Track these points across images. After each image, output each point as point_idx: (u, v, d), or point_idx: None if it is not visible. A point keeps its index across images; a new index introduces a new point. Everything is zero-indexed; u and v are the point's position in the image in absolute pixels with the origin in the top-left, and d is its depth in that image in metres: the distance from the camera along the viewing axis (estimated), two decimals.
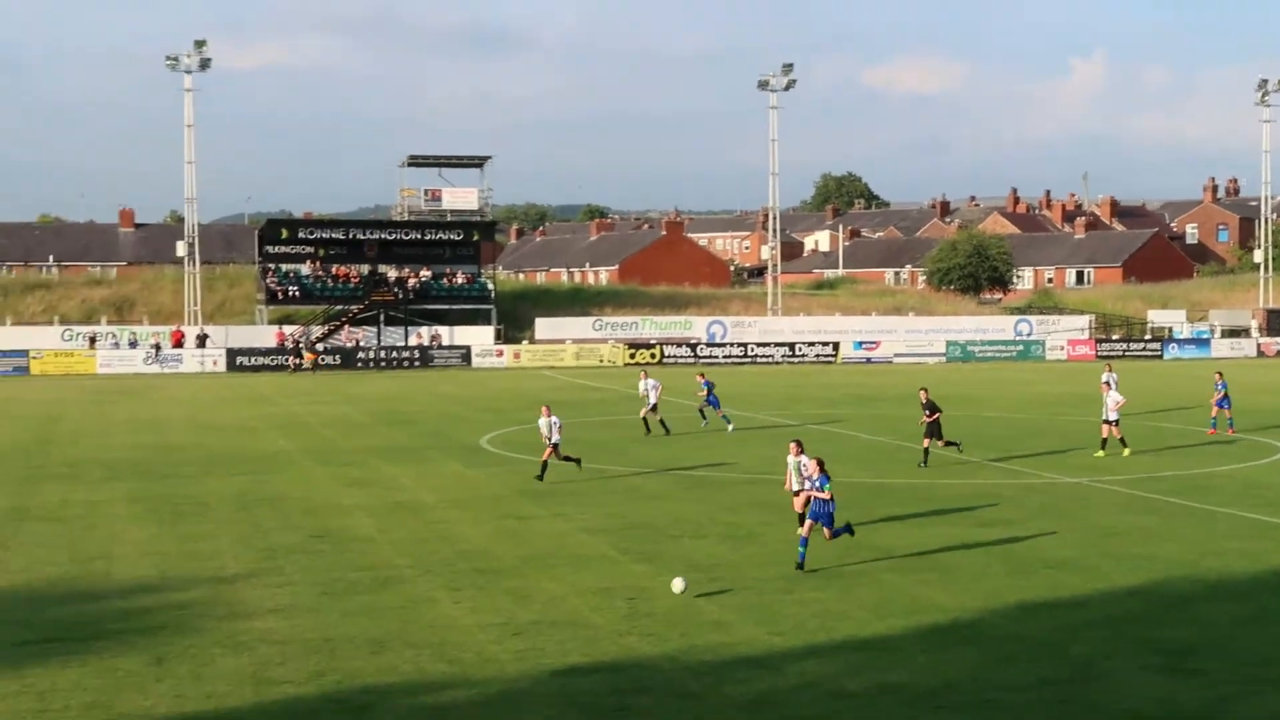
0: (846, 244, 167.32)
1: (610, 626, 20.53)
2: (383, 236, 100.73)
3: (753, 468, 38.24)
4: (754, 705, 16.75)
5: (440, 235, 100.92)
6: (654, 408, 46.94)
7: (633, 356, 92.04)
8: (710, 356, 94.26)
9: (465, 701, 16.97)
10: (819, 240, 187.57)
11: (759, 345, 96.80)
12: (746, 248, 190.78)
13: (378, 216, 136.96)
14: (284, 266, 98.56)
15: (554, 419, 35.26)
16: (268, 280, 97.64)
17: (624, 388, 70.24)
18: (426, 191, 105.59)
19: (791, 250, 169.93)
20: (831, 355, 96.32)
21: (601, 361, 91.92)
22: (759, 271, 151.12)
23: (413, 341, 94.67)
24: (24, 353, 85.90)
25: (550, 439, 35.13)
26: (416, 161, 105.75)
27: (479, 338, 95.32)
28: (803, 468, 26.61)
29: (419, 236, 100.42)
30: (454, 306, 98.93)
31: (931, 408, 38.75)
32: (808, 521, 24.51)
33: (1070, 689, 17.43)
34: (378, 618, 21.03)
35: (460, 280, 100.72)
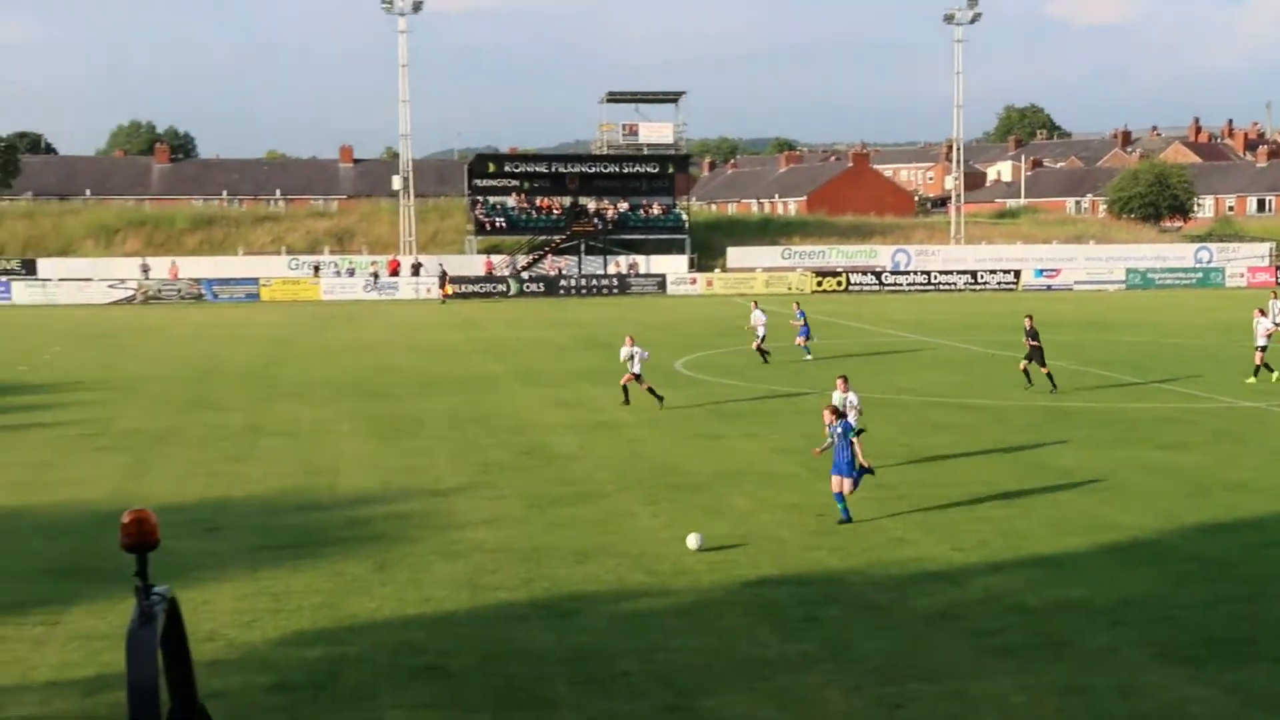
0: (1028, 174, 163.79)
1: (799, 541, 20.59)
2: (583, 170, 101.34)
3: (932, 391, 37.87)
4: (938, 617, 16.71)
5: (637, 168, 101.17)
6: (762, 338, 46.23)
7: (820, 284, 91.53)
8: (894, 284, 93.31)
9: (663, 609, 17.18)
10: (1001, 171, 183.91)
11: (942, 273, 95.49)
12: (930, 178, 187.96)
13: (578, 151, 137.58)
14: (491, 199, 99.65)
15: (637, 349, 35.14)
16: (476, 212, 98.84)
17: (812, 314, 69.92)
18: (624, 126, 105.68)
19: (974, 180, 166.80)
20: (1013, 283, 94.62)
21: (790, 289, 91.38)
22: (942, 201, 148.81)
23: (611, 270, 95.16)
24: (254, 280, 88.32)
25: (631, 368, 34.96)
26: (615, 98, 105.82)
27: (674, 266, 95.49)
28: (848, 405, 24.88)
29: (617, 170, 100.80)
30: (650, 236, 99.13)
31: (1034, 335, 37.87)
32: (834, 477, 21.79)
33: (1248, 607, 17.07)
34: (581, 529, 21.35)
35: (656, 211, 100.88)
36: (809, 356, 46.93)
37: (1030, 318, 38.94)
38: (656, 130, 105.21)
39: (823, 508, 22.79)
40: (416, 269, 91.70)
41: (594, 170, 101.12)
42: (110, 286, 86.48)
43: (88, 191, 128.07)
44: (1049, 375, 37.65)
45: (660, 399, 34.67)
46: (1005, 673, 14.66)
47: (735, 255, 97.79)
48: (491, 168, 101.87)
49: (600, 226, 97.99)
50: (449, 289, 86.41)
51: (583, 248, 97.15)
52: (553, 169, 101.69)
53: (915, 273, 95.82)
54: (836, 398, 25.37)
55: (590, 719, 13.47)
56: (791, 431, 30.98)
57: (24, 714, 13.76)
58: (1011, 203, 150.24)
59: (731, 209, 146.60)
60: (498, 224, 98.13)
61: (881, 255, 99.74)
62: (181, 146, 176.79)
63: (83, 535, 21.39)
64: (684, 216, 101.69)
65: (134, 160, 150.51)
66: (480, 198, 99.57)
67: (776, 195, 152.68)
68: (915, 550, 19.99)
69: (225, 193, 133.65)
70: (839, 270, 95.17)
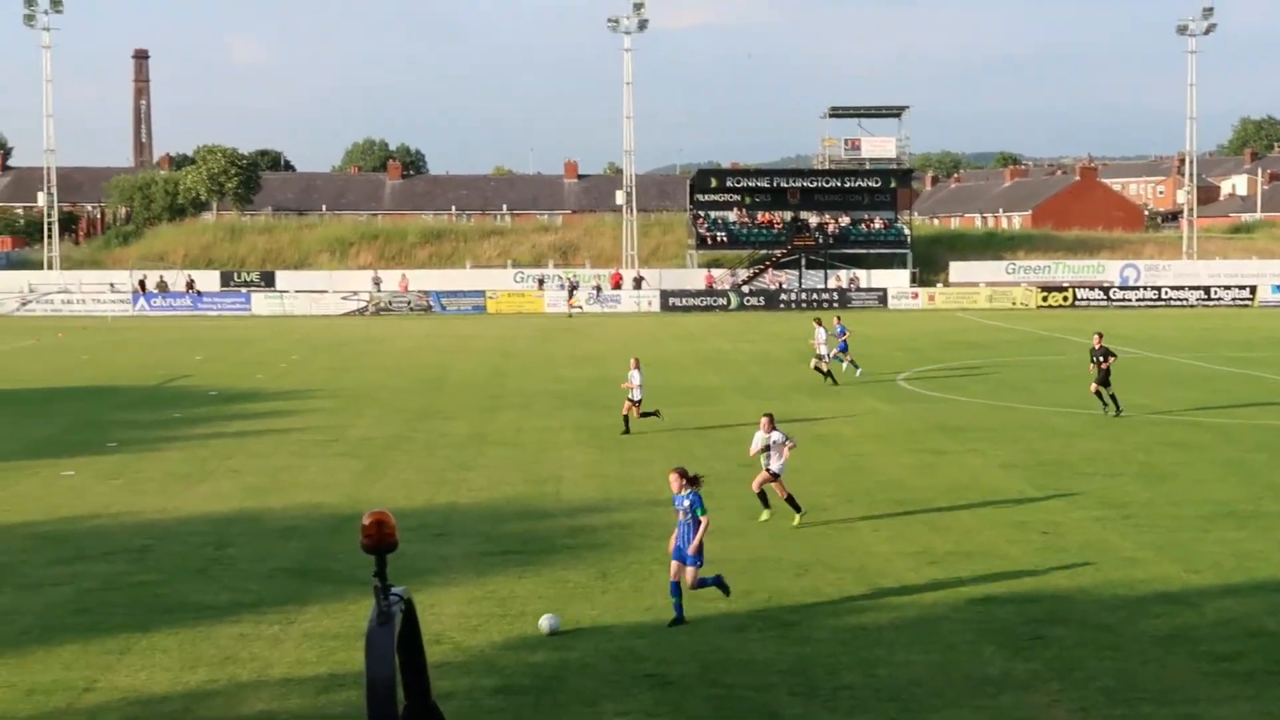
0: (1265, 187, 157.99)
1: (1025, 559, 20.12)
2: (804, 185, 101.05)
3: (1163, 409, 36.71)
4: (1170, 640, 16.16)
5: (859, 183, 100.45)
6: (823, 357, 43.89)
7: (1045, 299, 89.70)
8: (1123, 300, 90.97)
9: (885, 624, 16.94)
10: (1236, 184, 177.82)
11: (1173, 288, 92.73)
12: (1161, 192, 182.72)
13: (799, 166, 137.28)
14: (713, 214, 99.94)
15: (638, 374, 33.27)
16: (698, 226, 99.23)
17: (1036, 329, 68.70)
18: (846, 141, 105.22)
19: (1207, 194, 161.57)
20: (1248, 299, 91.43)
21: (1014, 304, 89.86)
22: (1173, 216, 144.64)
23: (832, 284, 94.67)
24: (481, 293, 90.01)
25: (632, 396, 33.10)
26: (837, 112, 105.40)
27: (895, 280, 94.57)
28: (773, 445, 22.45)
29: (839, 184, 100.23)
30: (871, 251, 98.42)
31: (1105, 354, 35.79)
32: (673, 563, 17.31)
33: None
34: (801, 542, 21.19)
35: (878, 225, 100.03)
36: (852, 368, 45.07)
37: (1100, 335, 36.50)
38: (879, 144, 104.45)
39: (1049, 525, 22.29)
40: (638, 282, 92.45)
41: (815, 185, 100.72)
42: (343, 298, 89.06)
43: (324, 207, 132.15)
44: (1113, 398, 35.38)
45: (656, 414, 33.56)
46: (1243, 698, 14.11)
47: (958, 270, 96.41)
48: (713, 183, 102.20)
49: (821, 241, 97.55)
50: (575, 300, 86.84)
51: (803, 262, 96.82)
52: (774, 184, 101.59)
53: (1145, 288, 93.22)
54: (758, 438, 22.74)
55: None
56: (1014, 447, 30.37)
57: (260, 709, 14.17)
58: (1247, 217, 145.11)
59: (954, 223, 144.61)
60: (719, 238, 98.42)
61: (1109, 270, 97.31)
62: (413, 163, 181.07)
63: (318, 537, 21.99)
64: (906, 231, 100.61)
65: (368, 177, 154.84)
66: (702, 212, 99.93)
67: (1000, 209, 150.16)
68: (1146, 570, 19.39)
69: (454, 208, 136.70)
70: (1065, 285, 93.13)
